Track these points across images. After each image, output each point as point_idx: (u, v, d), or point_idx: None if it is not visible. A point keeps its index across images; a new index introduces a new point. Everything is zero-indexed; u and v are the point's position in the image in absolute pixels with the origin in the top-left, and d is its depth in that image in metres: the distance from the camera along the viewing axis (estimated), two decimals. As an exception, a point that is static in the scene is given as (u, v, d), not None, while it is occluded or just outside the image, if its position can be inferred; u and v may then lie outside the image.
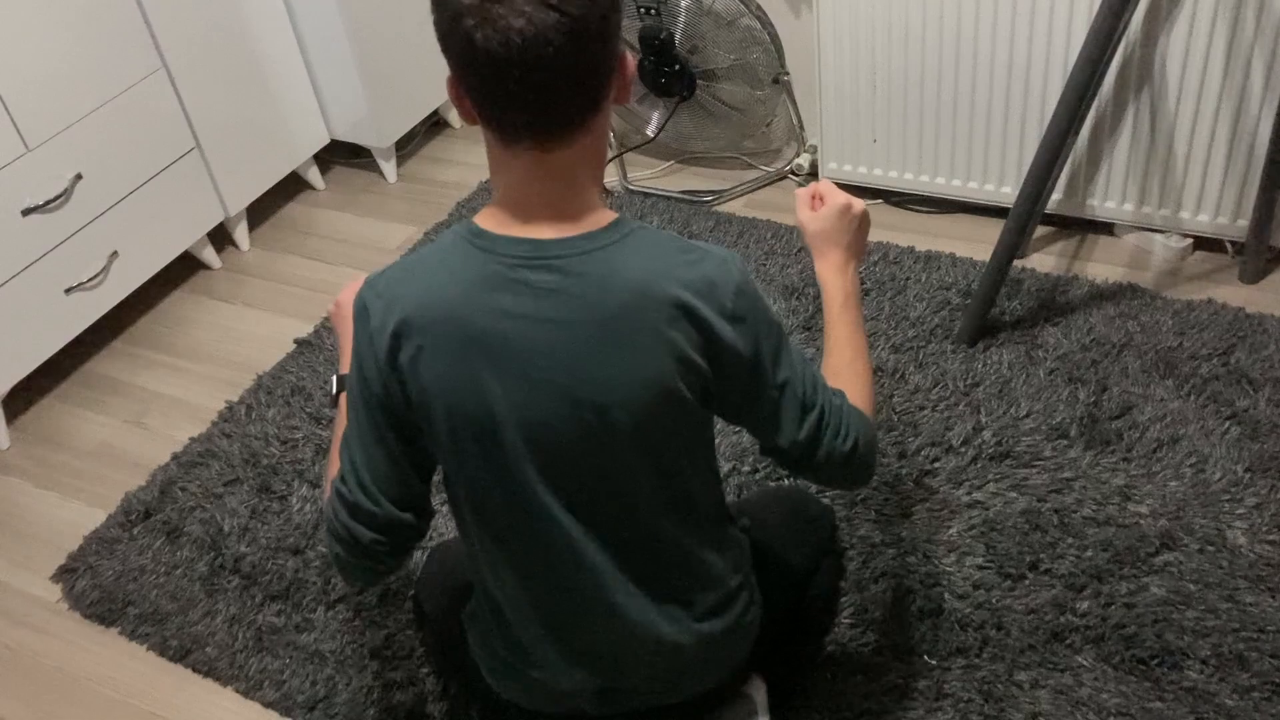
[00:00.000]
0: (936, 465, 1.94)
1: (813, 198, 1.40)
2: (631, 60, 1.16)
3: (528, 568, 1.26)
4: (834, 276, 1.37)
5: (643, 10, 2.58)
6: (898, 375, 2.14)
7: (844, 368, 1.32)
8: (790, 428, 1.22)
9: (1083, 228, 2.48)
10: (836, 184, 2.78)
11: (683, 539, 1.27)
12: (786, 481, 1.94)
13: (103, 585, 1.99)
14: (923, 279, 2.36)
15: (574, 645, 1.31)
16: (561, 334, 1.13)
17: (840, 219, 1.37)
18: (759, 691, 1.53)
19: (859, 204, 1.37)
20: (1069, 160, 2.34)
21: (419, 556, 1.92)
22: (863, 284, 2.36)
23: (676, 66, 2.61)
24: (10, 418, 2.42)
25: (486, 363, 1.14)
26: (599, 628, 1.29)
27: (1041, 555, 1.77)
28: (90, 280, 2.43)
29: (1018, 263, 2.40)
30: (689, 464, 1.25)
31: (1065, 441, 1.95)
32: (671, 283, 1.13)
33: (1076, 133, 2.23)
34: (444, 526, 1.97)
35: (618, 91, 1.15)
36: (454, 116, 3.23)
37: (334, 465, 1.28)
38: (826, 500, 1.89)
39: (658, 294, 1.12)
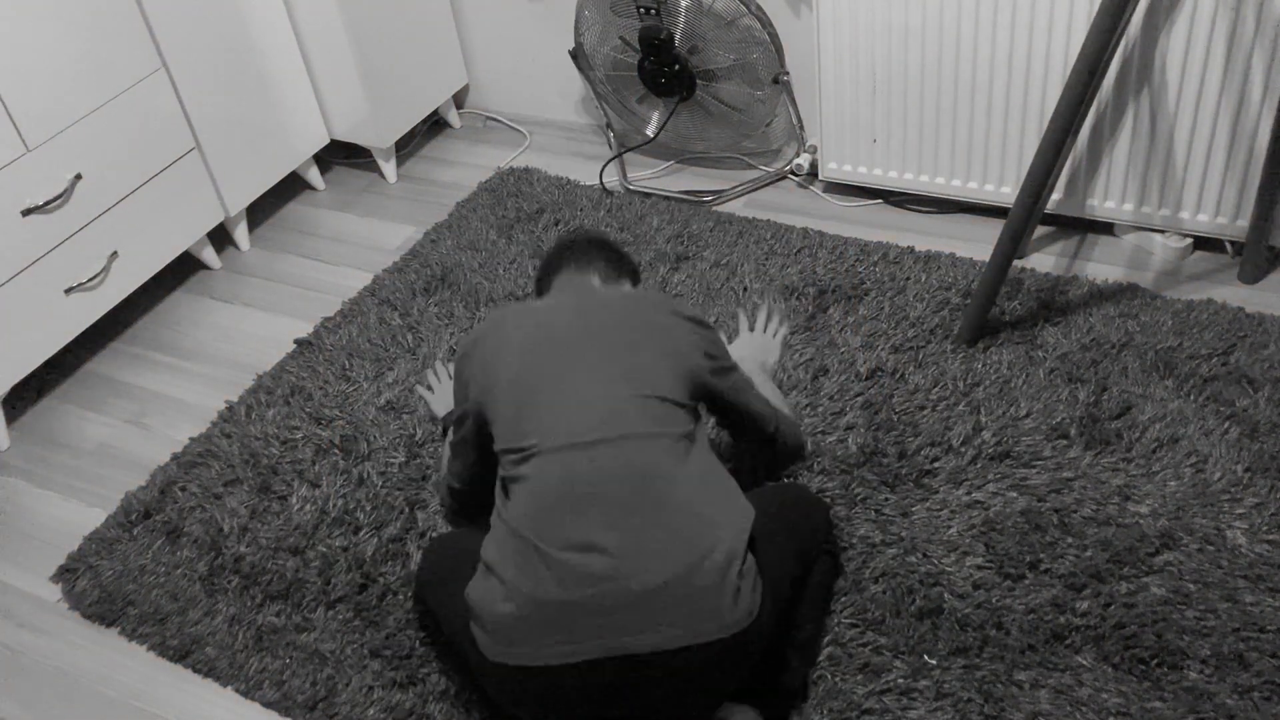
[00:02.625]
0: (936, 465, 1.95)
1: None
2: None
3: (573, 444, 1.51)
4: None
5: (643, 10, 2.58)
6: (898, 375, 2.14)
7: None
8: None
9: (1083, 228, 2.48)
10: (836, 184, 2.79)
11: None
12: (785, 480, 1.94)
13: (103, 585, 1.99)
14: (923, 279, 2.36)
15: (591, 517, 1.46)
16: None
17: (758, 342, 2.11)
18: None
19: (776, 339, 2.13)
20: (1069, 160, 2.34)
21: (417, 555, 1.92)
22: (863, 284, 2.36)
23: (676, 66, 2.61)
24: (10, 418, 2.42)
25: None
26: (617, 481, 1.48)
27: (1041, 555, 1.77)
28: (90, 280, 2.43)
29: (1018, 263, 2.40)
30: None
31: (1065, 441, 1.95)
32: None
33: (1076, 133, 2.23)
34: (441, 526, 1.97)
35: None
36: (454, 116, 3.23)
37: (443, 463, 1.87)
38: (826, 499, 1.89)
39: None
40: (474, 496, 1.86)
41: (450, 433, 1.82)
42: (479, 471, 1.78)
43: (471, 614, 1.48)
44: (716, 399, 1.70)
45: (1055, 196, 2.40)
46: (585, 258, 1.84)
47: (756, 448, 1.89)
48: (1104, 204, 2.37)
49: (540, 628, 1.41)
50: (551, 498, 1.47)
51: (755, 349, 2.15)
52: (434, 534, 1.96)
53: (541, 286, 1.87)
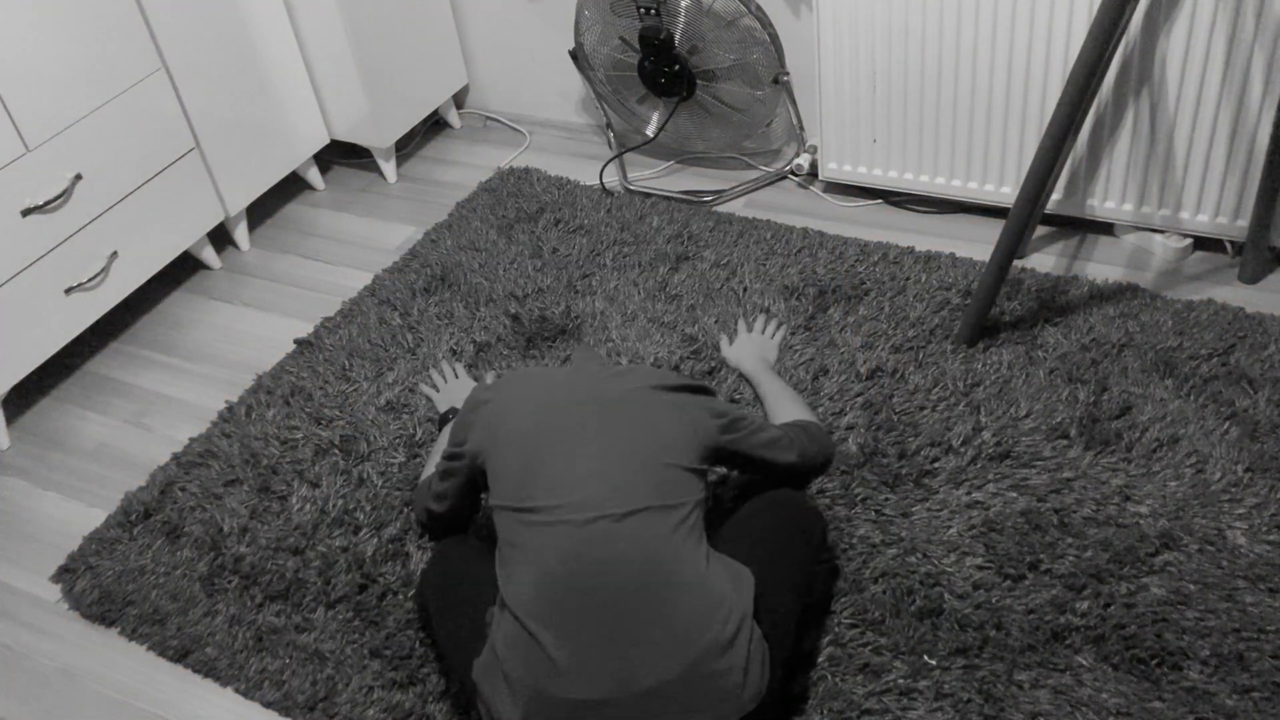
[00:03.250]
0: (936, 465, 1.95)
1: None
2: None
3: (569, 530, 1.47)
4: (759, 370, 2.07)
5: (643, 10, 2.58)
6: (898, 375, 2.14)
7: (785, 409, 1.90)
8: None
9: (1083, 228, 2.48)
10: (836, 184, 2.79)
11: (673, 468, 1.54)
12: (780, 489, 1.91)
13: (103, 585, 1.99)
14: (923, 279, 2.36)
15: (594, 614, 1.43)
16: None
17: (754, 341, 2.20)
18: None
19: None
20: (1069, 160, 2.34)
21: (418, 556, 1.92)
22: (863, 284, 2.36)
23: (676, 66, 2.61)
24: (10, 418, 2.42)
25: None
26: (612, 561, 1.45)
27: (1041, 555, 1.77)
28: (90, 280, 2.43)
29: (1018, 263, 2.40)
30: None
31: (1065, 441, 1.95)
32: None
33: (1076, 133, 2.23)
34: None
35: None
36: (454, 116, 3.23)
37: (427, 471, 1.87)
38: (825, 500, 1.89)
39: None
40: (449, 525, 1.84)
41: (439, 457, 1.82)
42: (459, 504, 1.77)
43: (479, 697, 1.48)
44: (734, 455, 1.67)
45: (1055, 196, 2.40)
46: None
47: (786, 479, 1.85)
48: (1104, 204, 2.37)
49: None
50: (558, 583, 1.44)
51: (754, 347, 2.16)
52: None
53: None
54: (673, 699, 1.40)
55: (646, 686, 1.40)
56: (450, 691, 1.72)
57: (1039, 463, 1.92)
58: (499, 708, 1.44)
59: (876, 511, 1.88)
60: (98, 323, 2.65)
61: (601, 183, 2.85)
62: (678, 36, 2.58)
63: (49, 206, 2.31)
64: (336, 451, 2.16)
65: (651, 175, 2.88)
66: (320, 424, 2.24)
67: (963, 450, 1.96)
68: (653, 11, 2.57)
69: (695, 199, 2.75)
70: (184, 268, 2.80)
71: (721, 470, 1.97)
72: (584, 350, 1.97)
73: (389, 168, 3.03)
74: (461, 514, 1.80)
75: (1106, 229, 2.46)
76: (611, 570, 1.43)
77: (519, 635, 1.44)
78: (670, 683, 1.40)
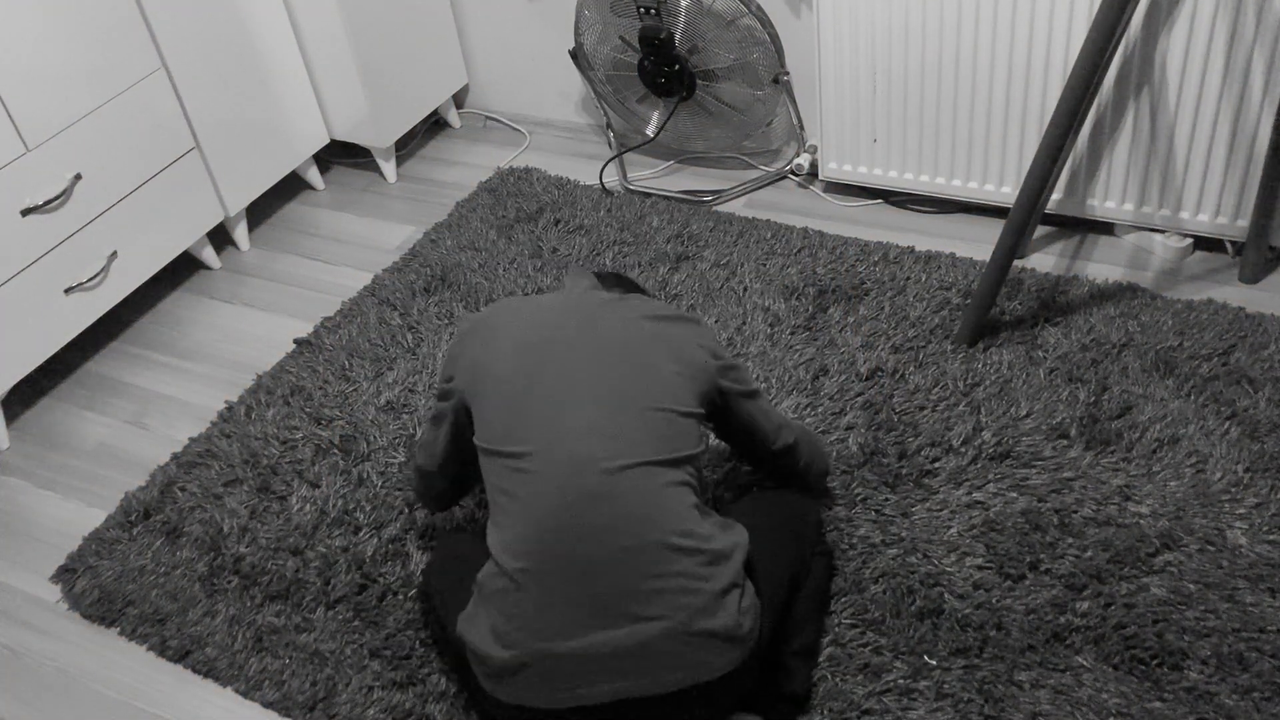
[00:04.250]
0: (936, 465, 1.95)
1: None
2: None
3: (554, 476, 1.43)
4: None
5: (643, 10, 2.58)
6: (898, 375, 2.14)
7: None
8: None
9: (1083, 228, 2.48)
10: (836, 184, 2.79)
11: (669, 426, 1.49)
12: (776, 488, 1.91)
13: (103, 585, 1.99)
14: (923, 279, 2.36)
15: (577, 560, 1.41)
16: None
17: None
18: None
19: None
20: (1069, 160, 2.34)
21: (418, 556, 1.92)
22: (863, 284, 2.36)
23: (676, 66, 2.61)
24: (10, 418, 2.42)
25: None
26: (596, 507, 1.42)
27: (1041, 555, 1.77)
28: (90, 280, 2.43)
29: (1018, 263, 2.40)
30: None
31: (1065, 441, 1.95)
32: None
33: (1076, 133, 2.23)
34: (439, 523, 1.97)
35: None
36: (454, 116, 3.23)
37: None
38: (817, 501, 1.89)
39: None
40: (441, 486, 1.75)
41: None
42: (450, 452, 1.68)
43: (468, 651, 1.47)
44: (729, 412, 1.62)
45: (1055, 196, 2.40)
46: (599, 277, 1.77)
47: (775, 468, 1.77)
48: (1104, 204, 2.37)
49: (538, 677, 1.41)
50: (547, 534, 1.41)
51: None
52: (436, 534, 1.96)
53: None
54: (664, 651, 1.40)
55: (639, 638, 1.39)
56: (450, 692, 1.72)
57: (1039, 463, 1.92)
58: (488, 658, 1.43)
59: (876, 511, 1.88)
60: (98, 323, 2.65)
61: (601, 183, 2.85)
62: (678, 36, 2.58)
63: (49, 206, 2.31)
64: (336, 451, 2.16)
65: (651, 175, 2.88)
66: (320, 424, 2.24)
67: (963, 450, 1.96)
68: (653, 11, 2.57)
69: (695, 199, 2.75)
70: (184, 268, 2.80)
71: (724, 463, 1.97)
72: (576, 271, 1.85)
73: (389, 168, 3.03)
74: (452, 469, 1.71)
75: (1107, 229, 2.46)
76: (605, 524, 1.40)
77: (508, 588, 1.43)
78: (662, 635, 1.40)
